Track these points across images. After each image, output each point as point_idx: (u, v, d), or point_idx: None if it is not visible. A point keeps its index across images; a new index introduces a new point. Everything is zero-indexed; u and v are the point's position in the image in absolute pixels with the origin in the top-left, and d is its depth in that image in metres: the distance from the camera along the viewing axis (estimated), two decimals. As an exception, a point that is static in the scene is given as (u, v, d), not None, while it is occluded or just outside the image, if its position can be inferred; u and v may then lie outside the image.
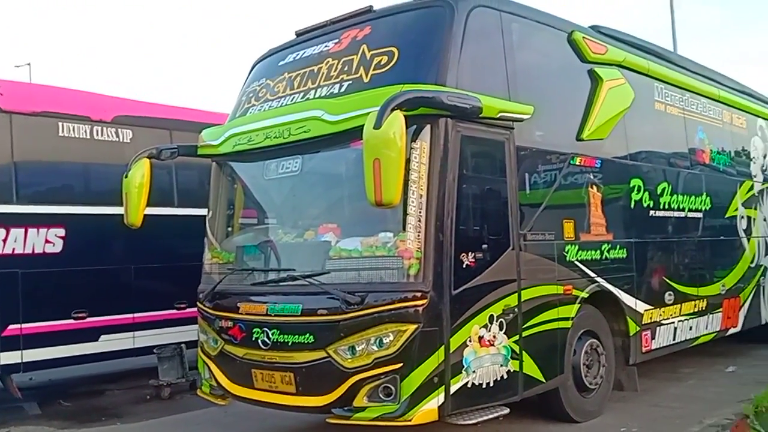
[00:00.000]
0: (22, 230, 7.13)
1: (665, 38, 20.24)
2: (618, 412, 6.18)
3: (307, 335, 4.83)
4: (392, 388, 4.56)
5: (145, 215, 5.76)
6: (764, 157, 9.49)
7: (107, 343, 7.73)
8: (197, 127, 6.35)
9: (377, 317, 4.60)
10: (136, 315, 7.97)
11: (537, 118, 5.44)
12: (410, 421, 4.52)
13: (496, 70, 5.35)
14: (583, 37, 6.25)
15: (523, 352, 5.17)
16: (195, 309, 5.92)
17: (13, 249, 7.06)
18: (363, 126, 4.26)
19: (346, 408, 4.68)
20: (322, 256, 5.01)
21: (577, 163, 6.01)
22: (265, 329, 5.03)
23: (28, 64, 25.65)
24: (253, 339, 5.10)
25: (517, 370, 5.13)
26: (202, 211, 6.22)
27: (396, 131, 4.17)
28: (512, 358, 5.09)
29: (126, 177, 5.77)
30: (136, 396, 8.01)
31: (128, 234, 6.16)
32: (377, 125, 4.16)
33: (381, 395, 4.59)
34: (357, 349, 4.64)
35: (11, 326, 7.04)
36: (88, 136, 7.80)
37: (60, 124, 7.58)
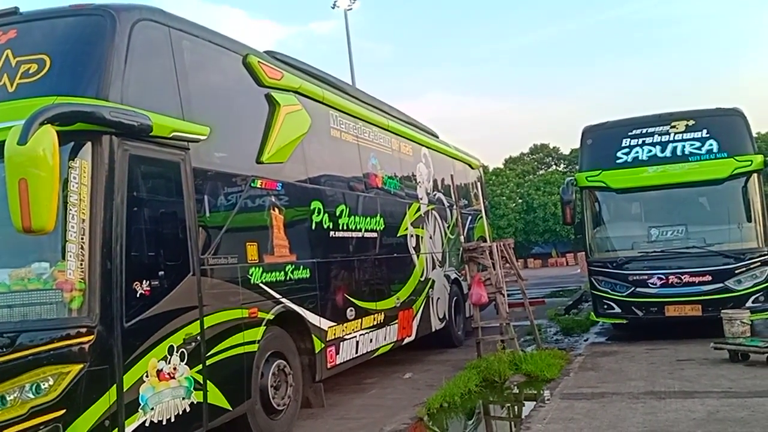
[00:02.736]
0: None
1: (345, 73, 21.97)
2: (306, 429, 6.34)
3: None
4: None
5: None
6: (428, 181, 10.70)
7: None
8: None
9: (33, 360, 4.04)
10: None
11: (215, 140, 5.37)
12: None
13: (167, 88, 5.14)
14: (259, 62, 6.37)
15: (208, 381, 5.00)
16: None
17: None
18: (5, 141, 3.72)
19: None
20: (-42, 293, 4.23)
21: (258, 186, 6.05)
22: None
23: None
24: None
25: (202, 400, 4.93)
26: None
27: (46, 148, 3.74)
28: (195, 389, 4.88)
29: None
30: None
31: None
32: (22, 140, 3.68)
33: None
34: (8, 398, 4.02)
35: None
36: None
37: None
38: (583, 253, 11.29)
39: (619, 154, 10.26)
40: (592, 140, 10.63)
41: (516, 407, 7.47)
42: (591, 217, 10.53)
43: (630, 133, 10.33)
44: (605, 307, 10.05)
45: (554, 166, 59.74)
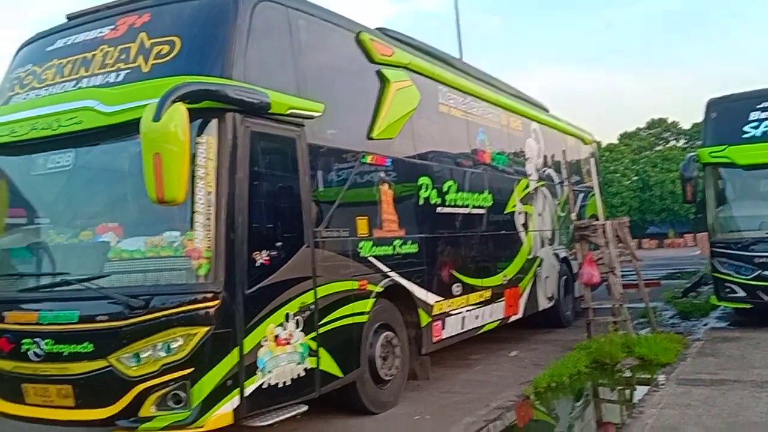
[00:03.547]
0: None
1: (453, 48, 21.77)
2: (412, 400, 6.43)
3: (86, 344, 4.46)
4: (182, 394, 4.36)
5: None
6: (538, 157, 10.48)
7: None
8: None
9: (165, 321, 4.37)
10: None
11: (328, 117, 5.51)
12: (202, 427, 4.35)
13: (284, 67, 5.33)
14: (370, 39, 6.46)
15: (320, 348, 5.20)
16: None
17: None
18: (141, 118, 4.01)
19: (131, 419, 4.41)
20: (100, 257, 4.67)
21: (369, 162, 6.17)
22: (37, 340, 4.58)
23: None
24: (22, 351, 4.63)
25: (315, 366, 5.14)
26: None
27: (177, 124, 3.99)
28: (309, 355, 5.09)
29: None
30: None
31: None
32: (156, 117, 3.95)
33: (170, 403, 4.38)
34: (142, 356, 4.37)
35: None
36: None
37: None
38: (704, 233, 10.70)
39: (746, 128, 9.61)
40: (717, 114, 10.02)
41: (628, 391, 7.25)
42: (714, 195, 9.96)
43: (758, 106, 9.65)
44: (728, 290, 9.51)
45: (673, 142, 56.59)
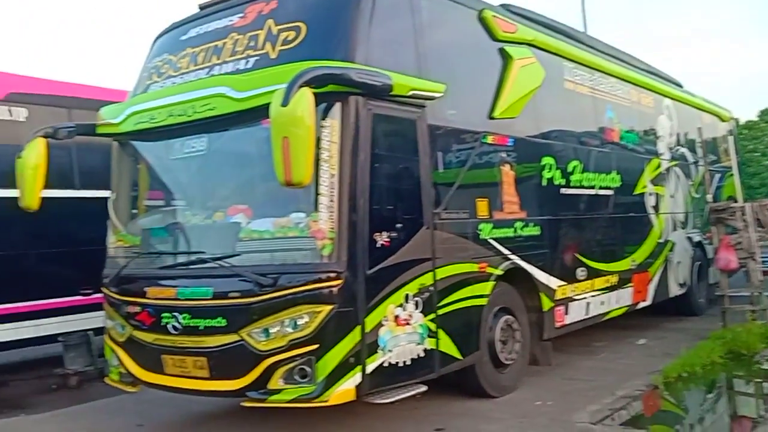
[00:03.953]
0: None
1: (576, 21, 20.86)
2: (533, 386, 6.30)
3: (219, 319, 4.70)
4: (308, 369, 4.49)
5: (43, 198, 5.48)
6: (670, 135, 9.88)
7: (8, 332, 7.33)
8: (98, 105, 6.05)
9: (291, 299, 4.52)
10: (37, 302, 7.57)
11: (449, 97, 5.44)
12: (327, 401, 4.48)
13: (406, 48, 5.31)
14: (493, 16, 6.31)
15: (440, 330, 5.20)
16: (101, 295, 5.68)
17: None
18: (270, 103, 4.13)
19: (261, 391, 4.59)
20: (232, 237, 4.88)
21: (490, 142, 6.06)
22: (175, 314, 4.87)
23: None
24: (162, 324, 4.94)
25: (434, 347, 5.15)
26: (107, 193, 5.93)
27: (304, 109, 4.06)
28: (428, 336, 5.10)
29: (19, 158, 5.46)
30: (41, 386, 7.65)
31: (27, 218, 5.82)
32: (285, 102, 4.04)
33: (296, 377, 4.52)
34: (271, 331, 4.54)
35: None
36: None
37: None
38: None
39: None
40: None
41: (766, 384, 6.76)
42: None
43: None
44: None
45: (823, 117, 51.46)
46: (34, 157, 5.42)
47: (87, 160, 7.96)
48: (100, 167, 6.58)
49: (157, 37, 6.10)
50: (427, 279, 5.12)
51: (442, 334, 5.22)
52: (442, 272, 5.27)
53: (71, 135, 5.80)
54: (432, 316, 5.14)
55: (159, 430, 5.63)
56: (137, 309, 5.15)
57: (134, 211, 5.86)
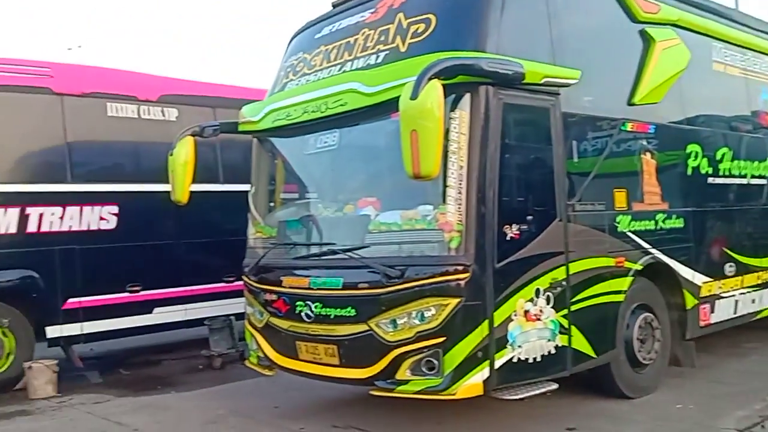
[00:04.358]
0: (78, 208, 7.42)
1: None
2: (674, 388, 5.98)
3: (349, 308, 4.82)
4: (435, 362, 4.51)
5: (191, 192, 5.87)
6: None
7: (160, 315, 8.04)
8: (240, 103, 6.38)
9: (418, 291, 4.54)
10: (186, 288, 8.23)
11: (585, 83, 5.21)
12: (454, 395, 4.47)
13: (539, 34, 5.15)
14: None
15: (572, 326, 5.03)
16: (241, 282, 6.02)
17: (70, 226, 7.37)
18: (399, 97, 4.15)
19: (389, 381, 4.66)
20: (362, 229, 4.97)
21: (629, 129, 5.76)
22: (308, 302, 5.05)
23: (80, 46, 26.26)
24: (297, 312, 5.13)
25: (566, 345, 5.00)
26: (247, 187, 6.26)
27: (433, 101, 4.05)
28: (560, 332, 4.96)
29: (171, 155, 5.87)
30: (190, 366, 8.25)
31: (177, 210, 6.34)
32: (414, 95, 4.04)
33: (424, 369, 4.55)
34: (398, 322, 4.59)
35: (71, 300, 7.39)
36: (135, 116, 7.99)
37: (108, 104, 7.80)
38: None
39: None
40: None
41: None
42: None
43: None
44: None
45: None
46: (183, 154, 5.82)
47: (229, 156, 8.47)
48: (242, 163, 6.97)
49: (293, 37, 6.31)
50: (559, 273, 4.96)
51: (575, 330, 5.05)
52: (576, 266, 5.09)
53: (216, 133, 6.17)
54: (564, 311, 4.98)
55: (294, 413, 5.87)
56: (274, 297, 5.39)
57: (271, 204, 6.13)
